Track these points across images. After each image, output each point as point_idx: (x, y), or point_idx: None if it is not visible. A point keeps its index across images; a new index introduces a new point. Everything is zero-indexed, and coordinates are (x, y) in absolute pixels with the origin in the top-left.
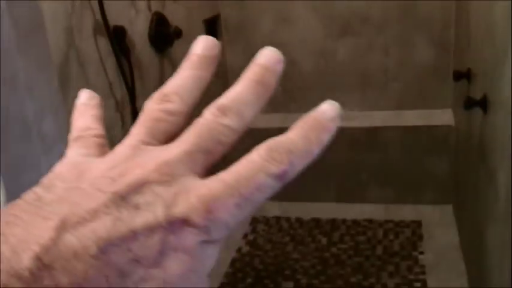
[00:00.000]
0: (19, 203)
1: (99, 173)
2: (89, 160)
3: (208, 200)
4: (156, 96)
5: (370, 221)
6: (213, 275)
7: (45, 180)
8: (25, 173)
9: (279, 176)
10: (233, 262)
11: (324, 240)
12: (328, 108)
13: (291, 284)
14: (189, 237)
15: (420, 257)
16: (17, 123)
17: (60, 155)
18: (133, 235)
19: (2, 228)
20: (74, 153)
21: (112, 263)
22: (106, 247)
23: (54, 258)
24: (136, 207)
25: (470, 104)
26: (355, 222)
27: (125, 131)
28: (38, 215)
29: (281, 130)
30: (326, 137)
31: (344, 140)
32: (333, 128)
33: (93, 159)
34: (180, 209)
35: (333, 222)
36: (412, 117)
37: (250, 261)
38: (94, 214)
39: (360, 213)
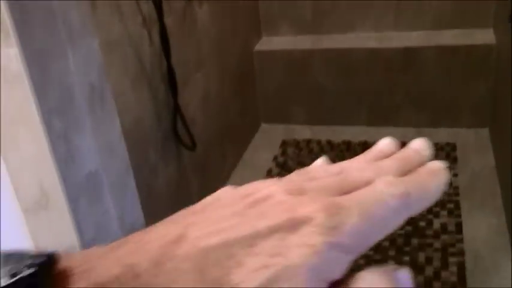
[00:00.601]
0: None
1: (237, 192)
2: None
3: (332, 205)
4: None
5: (403, 143)
6: None
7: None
8: (52, 63)
9: (399, 196)
10: None
11: None
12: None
13: None
14: (312, 235)
15: (454, 179)
16: (40, 10)
17: (87, 48)
18: (255, 233)
19: (136, 235)
20: None
21: (234, 255)
22: (227, 242)
23: (176, 250)
24: (262, 213)
25: None
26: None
27: (152, 48)
28: (169, 221)
29: (311, 52)
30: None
31: (378, 61)
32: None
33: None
34: (305, 211)
35: (364, 144)
36: (450, 37)
37: None
38: (220, 218)
39: (392, 136)
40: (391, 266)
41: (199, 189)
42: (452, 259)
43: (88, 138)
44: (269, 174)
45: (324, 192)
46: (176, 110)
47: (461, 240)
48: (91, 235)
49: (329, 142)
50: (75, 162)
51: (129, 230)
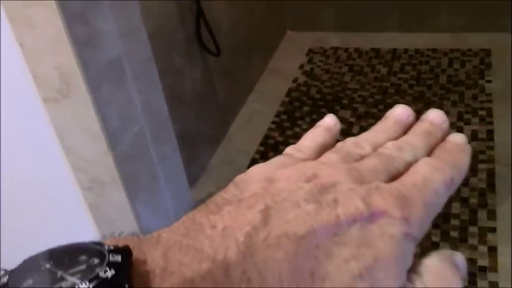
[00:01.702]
0: (216, 199)
1: (292, 173)
2: (278, 168)
3: (401, 198)
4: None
5: (435, 50)
6: (269, 103)
7: (237, 180)
8: None
9: (447, 183)
10: (289, 91)
11: (384, 70)
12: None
13: (348, 112)
14: (390, 226)
15: (487, 85)
16: None
17: None
18: (336, 222)
19: (208, 219)
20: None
21: (321, 245)
22: (313, 231)
23: (264, 237)
24: (335, 200)
25: None
26: (418, 51)
27: None
28: (242, 205)
29: None
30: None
31: None
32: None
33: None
34: (379, 203)
35: (393, 52)
36: None
37: (307, 91)
38: (295, 204)
39: (424, 42)
40: (448, 252)
41: (225, 95)
42: (481, 166)
43: (108, 21)
44: (295, 83)
45: (378, 177)
46: (199, 13)
47: (492, 148)
48: (115, 123)
49: (357, 50)
50: (96, 46)
51: (154, 117)
